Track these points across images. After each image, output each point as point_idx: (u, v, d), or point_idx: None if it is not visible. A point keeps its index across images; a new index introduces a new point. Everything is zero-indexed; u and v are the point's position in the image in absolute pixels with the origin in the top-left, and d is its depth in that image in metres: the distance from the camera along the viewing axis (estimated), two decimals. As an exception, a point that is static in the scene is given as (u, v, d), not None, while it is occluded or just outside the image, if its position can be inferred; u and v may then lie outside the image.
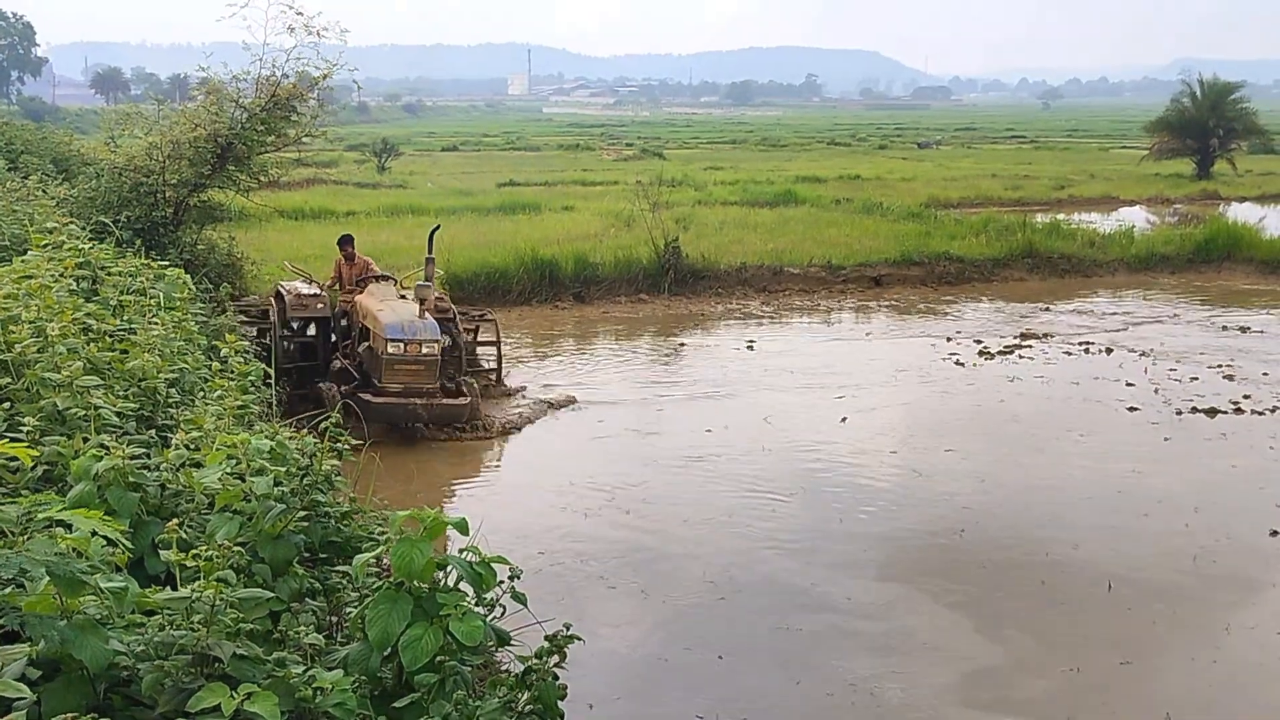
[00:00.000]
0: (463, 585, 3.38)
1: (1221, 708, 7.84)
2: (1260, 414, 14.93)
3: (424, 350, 13.58)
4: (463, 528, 3.41)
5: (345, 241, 16.06)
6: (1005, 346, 19.01)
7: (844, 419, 14.84)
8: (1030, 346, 19.11)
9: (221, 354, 7.02)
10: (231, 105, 16.52)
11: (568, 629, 3.52)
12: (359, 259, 15.91)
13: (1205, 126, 49.52)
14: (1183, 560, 10.29)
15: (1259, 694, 8.08)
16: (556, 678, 3.01)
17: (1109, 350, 18.72)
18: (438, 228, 15.75)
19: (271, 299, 15.82)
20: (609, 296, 22.96)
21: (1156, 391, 16.03)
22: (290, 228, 28.34)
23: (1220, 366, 17.46)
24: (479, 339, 16.64)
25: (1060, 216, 32.83)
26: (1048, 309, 22.75)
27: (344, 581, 3.79)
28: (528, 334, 20.33)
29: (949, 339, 19.71)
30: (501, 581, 3.67)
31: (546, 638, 3.10)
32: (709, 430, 14.33)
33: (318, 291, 15.44)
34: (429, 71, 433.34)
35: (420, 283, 14.15)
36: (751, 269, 24.43)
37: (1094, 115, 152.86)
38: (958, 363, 17.94)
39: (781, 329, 21.29)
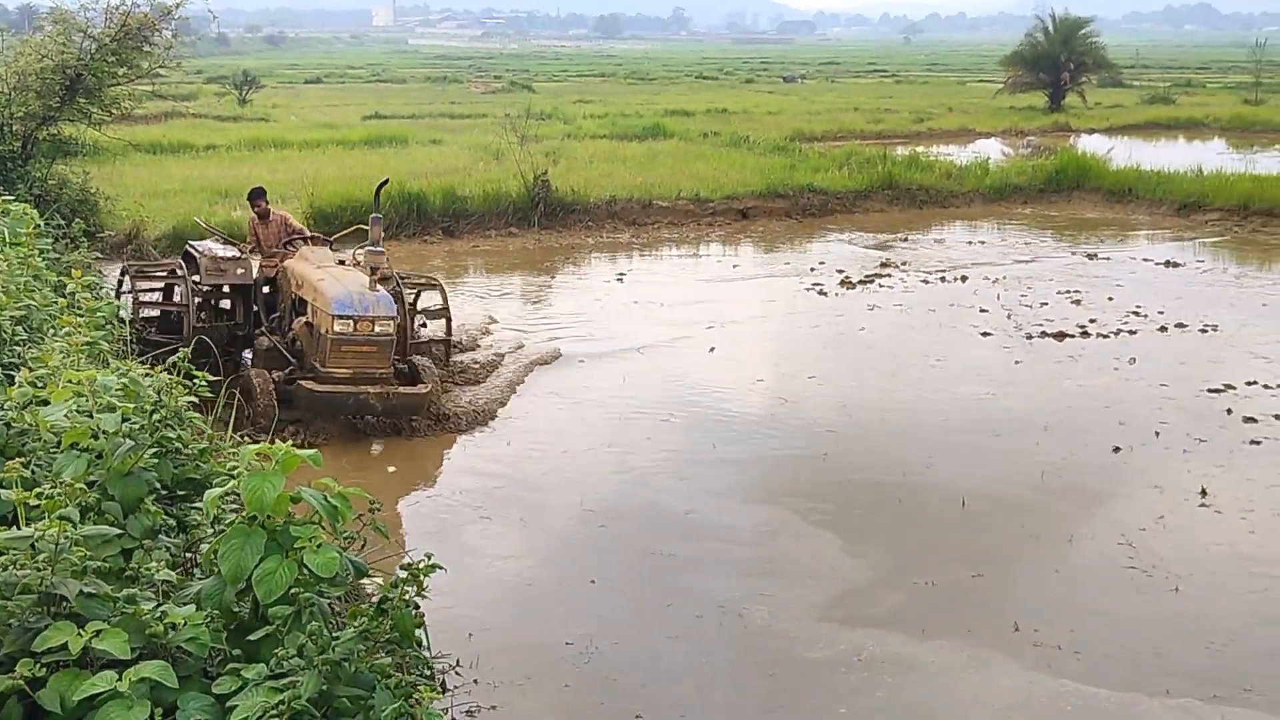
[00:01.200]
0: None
1: (1065, 614, 8.14)
2: (1105, 337, 15.43)
3: (377, 329, 11.19)
4: (316, 460, 3.35)
5: (256, 196, 13.49)
6: (866, 276, 19.31)
7: (712, 349, 14.97)
8: (890, 275, 19.43)
9: (69, 290, 6.76)
10: (80, 35, 15.85)
11: (429, 558, 3.49)
12: (275, 215, 13.51)
13: (1057, 61, 50.68)
14: (1031, 476, 10.63)
15: (1099, 600, 8.40)
16: (417, 606, 2.99)
17: (964, 278, 19.13)
18: (385, 181, 13.42)
19: (180, 261, 13.24)
20: (478, 230, 22.70)
21: (1009, 317, 16.46)
22: (148, 162, 27.38)
23: (1068, 292, 17.97)
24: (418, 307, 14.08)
25: (919, 149, 33.35)
26: (906, 239, 23.14)
27: (201, 519, 3.69)
28: (397, 269, 20.03)
29: (812, 269, 19.94)
30: (362, 515, 3.62)
31: (402, 567, 3.07)
32: (582, 361, 14.35)
33: (237, 254, 12.95)
34: (291, 3, 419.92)
35: (369, 246, 11.50)
36: (621, 202, 24.35)
37: (952, 50, 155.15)
38: (821, 292, 18.17)
39: (651, 261, 21.34)
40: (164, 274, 13.45)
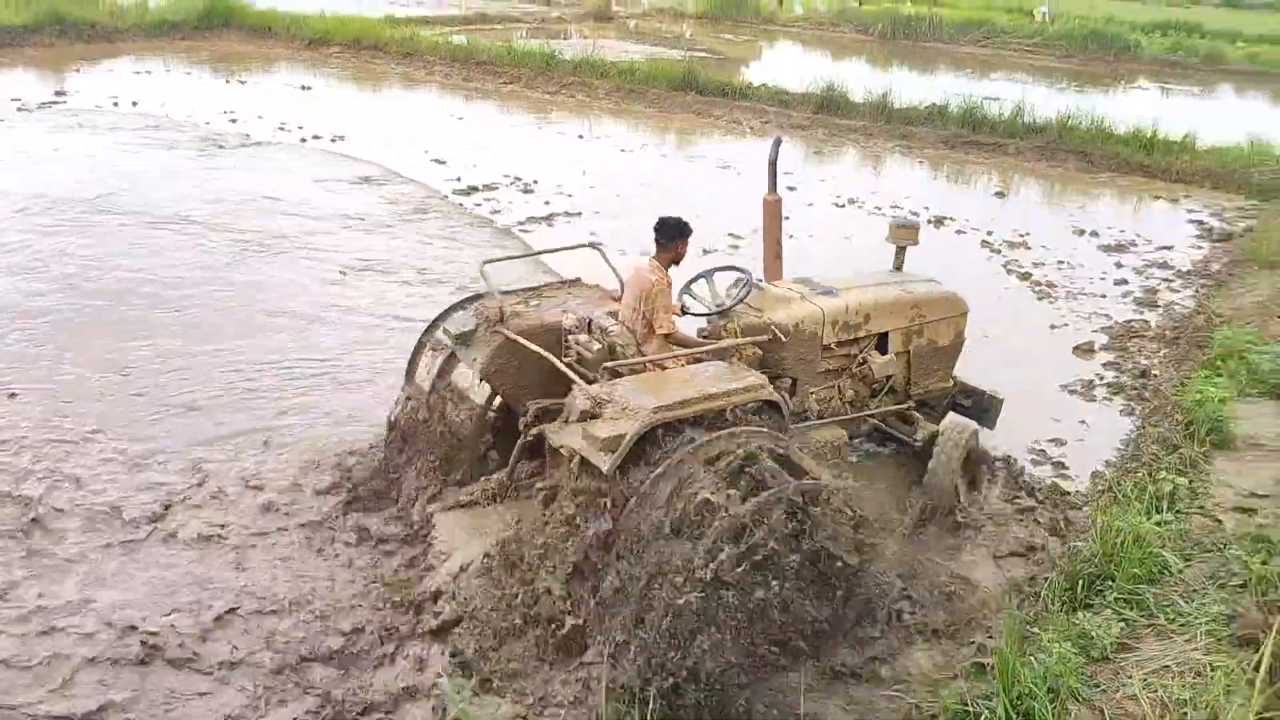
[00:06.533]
0: None
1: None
2: (260, 144, 15.12)
3: None
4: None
5: (680, 233, 5.80)
6: (44, 102, 16.87)
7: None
8: (66, 102, 17.16)
9: None
10: None
11: None
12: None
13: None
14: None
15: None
16: None
17: (135, 103, 17.45)
18: (779, 142, 7.04)
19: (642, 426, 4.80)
20: None
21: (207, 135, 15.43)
22: None
23: (227, 113, 17.21)
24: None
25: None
26: (79, 71, 20.47)
27: None
28: None
29: (-13, 99, 16.98)
30: None
31: None
32: None
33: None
34: None
35: None
36: None
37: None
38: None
39: None
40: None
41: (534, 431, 5.50)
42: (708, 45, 31.06)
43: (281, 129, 16.40)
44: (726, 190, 14.57)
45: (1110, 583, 5.24)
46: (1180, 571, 5.32)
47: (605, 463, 4.59)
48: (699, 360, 5.49)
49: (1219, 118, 21.47)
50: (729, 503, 4.53)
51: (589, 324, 5.72)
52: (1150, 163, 17.03)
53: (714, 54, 28.73)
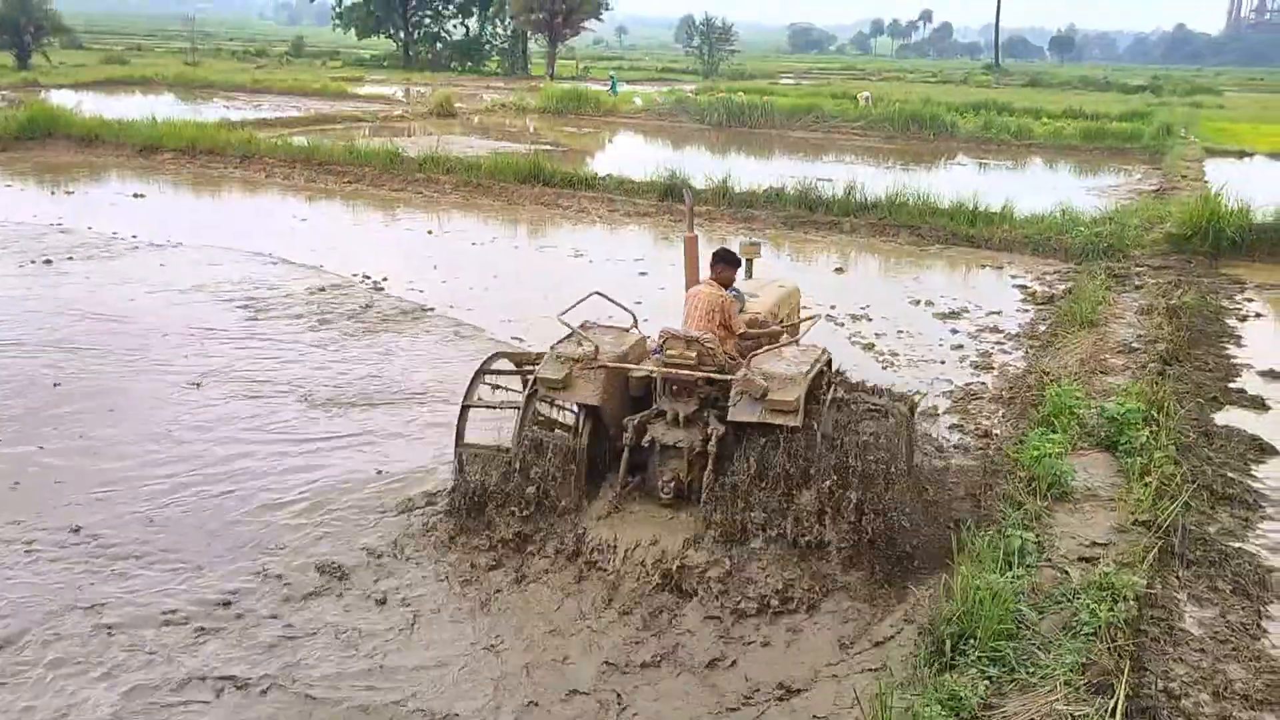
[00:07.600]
0: None
1: None
2: (91, 259, 14.51)
3: None
4: None
5: (734, 261, 8.09)
6: None
7: None
8: None
9: None
10: None
11: None
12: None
13: (18, 24, 45.37)
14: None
15: None
16: None
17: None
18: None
19: None
20: None
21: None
22: None
23: (54, 224, 16.49)
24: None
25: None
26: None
27: None
28: None
29: None
30: None
31: None
32: None
33: None
34: None
35: None
36: None
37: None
38: None
39: None
40: None
41: (646, 439, 6.81)
42: (551, 138, 31.65)
43: (114, 238, 15.79)
44: (581, 278, 14.72)
45: (973, 640, 5.40)
46: (1036, 625, 5.53)
47: (795, 419, 6.33)
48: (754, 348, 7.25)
49: (1032, 189, 23.07)
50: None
51: (664, 341, 7.00)
52: (974, 233, 18.08)
53: (558, 146, 29.29)
